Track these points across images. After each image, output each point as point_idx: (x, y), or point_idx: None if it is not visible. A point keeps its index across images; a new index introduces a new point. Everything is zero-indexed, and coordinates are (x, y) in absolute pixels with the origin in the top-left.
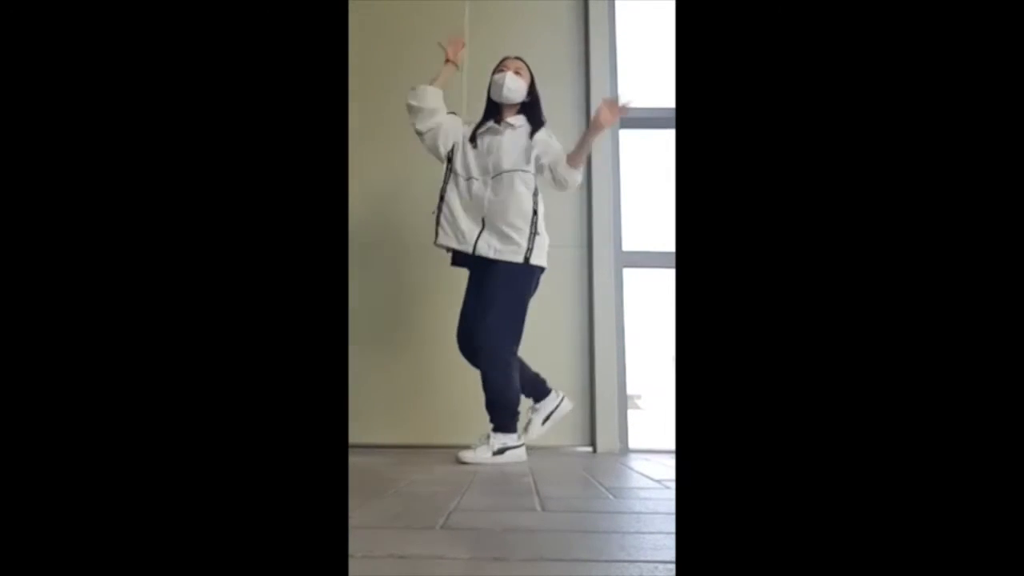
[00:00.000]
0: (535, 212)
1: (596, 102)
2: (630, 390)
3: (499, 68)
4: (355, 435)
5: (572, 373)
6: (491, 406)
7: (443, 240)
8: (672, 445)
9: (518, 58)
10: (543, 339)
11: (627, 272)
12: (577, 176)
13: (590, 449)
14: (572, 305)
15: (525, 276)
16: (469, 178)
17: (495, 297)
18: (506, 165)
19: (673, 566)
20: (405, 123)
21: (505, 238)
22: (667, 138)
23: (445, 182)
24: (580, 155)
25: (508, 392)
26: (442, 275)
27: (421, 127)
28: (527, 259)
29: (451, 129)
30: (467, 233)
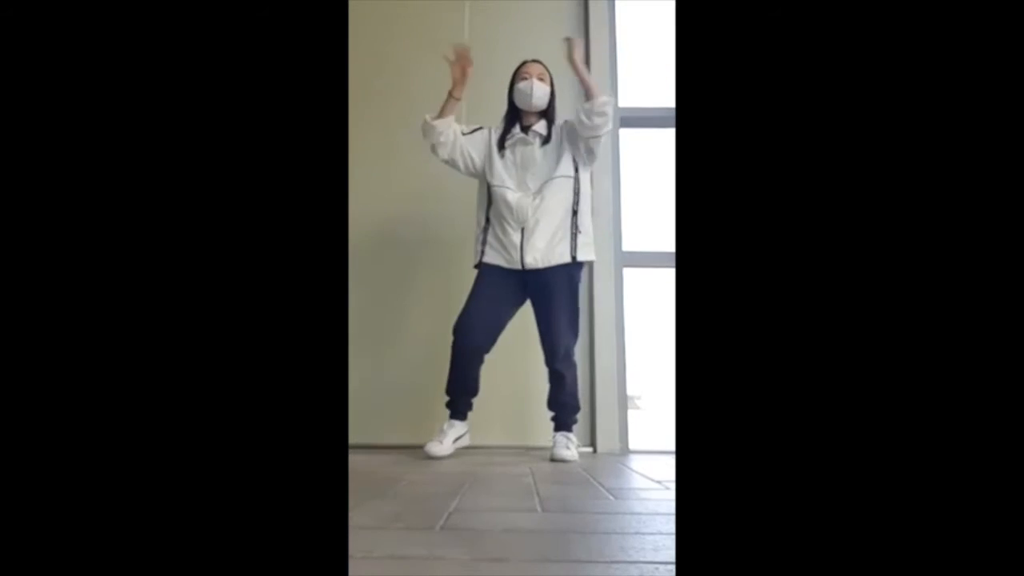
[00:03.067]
0: (575, 212)
1: None
2: (630, 390)
3: (522, 75)
4: (355, 435)
5: None
6: (564, 406)
7: (491, 259)
8: (672, 445)
9: (537, 61)
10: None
11: (627, 272)
12: (602, 97)
13: (590, 449)
14: None
15: (575, 273)
16: (504, 188)
17: (561, 304)
18: (544, 177)
19: (672, 567)
20: (404, 123)
21: (548, 243)
22: (667, 138)
23: (489, 202)
24: (588, 87)
25: (577, 392)
26: (442, 274)
27: (443, 156)
28: (574, 257)
29: (472, 149)
30: (511, 249)
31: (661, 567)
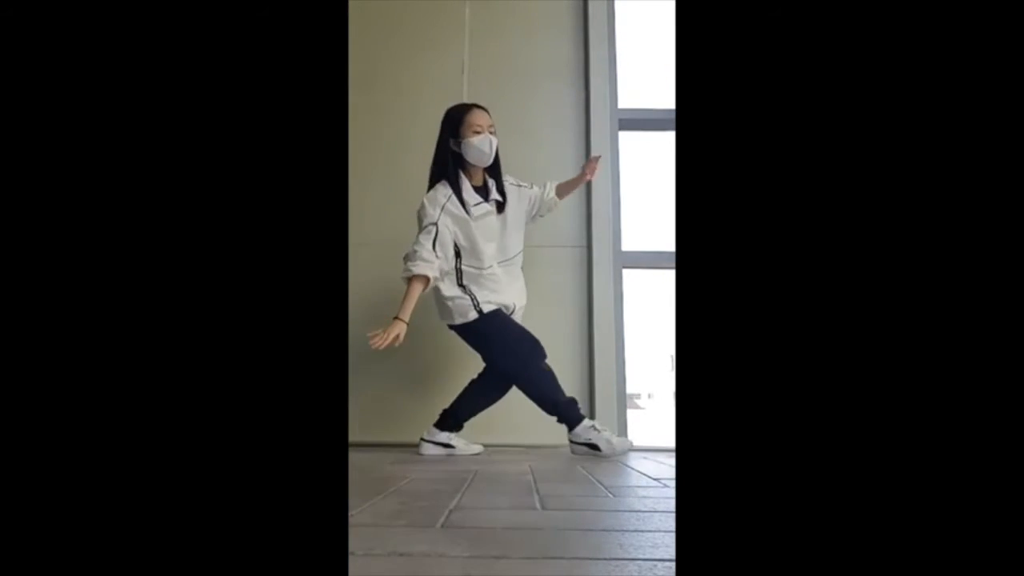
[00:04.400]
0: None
1: (595, 103)
2: (630, 390)
3: (473, 127)
4: (355, 434)
5: (572, 373)
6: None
7: (490, 300)
8: (671, 444)
9: (483, 108)
10: (543, 338)
11: (626, 272)
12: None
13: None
14: (571, 305)
15: None
16: (492, 272)
17: None
18: (512, 250)
19: (671, 564)
20: (405, 123)
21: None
22: (667, 139)
23: (459, 272)
24: (569, 192)
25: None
26: None
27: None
28: None
29: (451, 235)
30: (509, 305)
31: (659, 564)
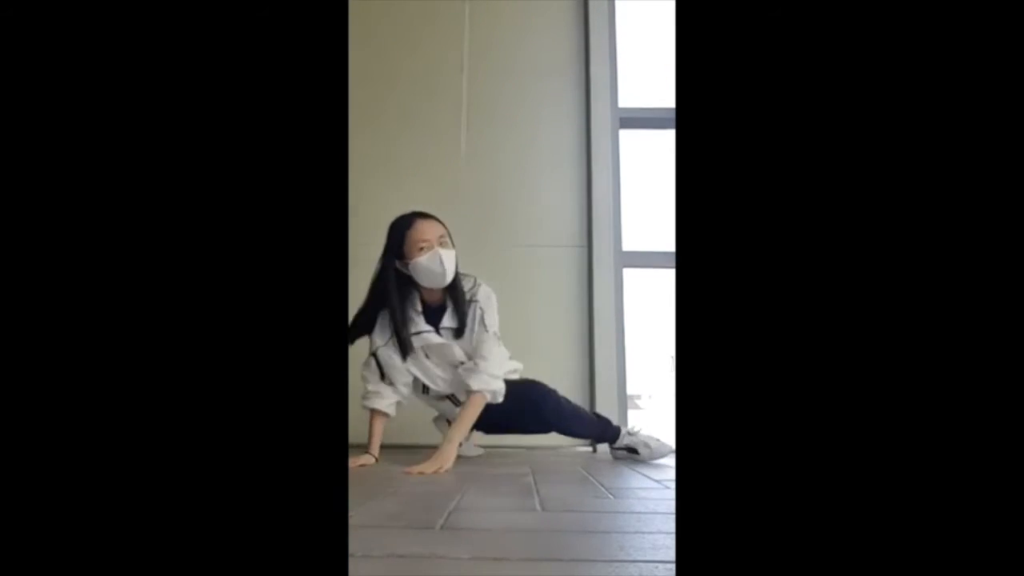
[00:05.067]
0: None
1: (596, 102)
2: (630, 390)
3: (416, 242)
4: (355, 435)
5: (572, 373)
6: None
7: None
8: (672, 445)
9: (430, 216)
10: (543, 339)
11: (627, 272)
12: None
13: (590, 449)
14: (572, 305)
15: None
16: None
17: None
18: (508, 361)
19: (672, 566)
20: (404, 123)
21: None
22: (667, 138)
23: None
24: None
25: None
26: None
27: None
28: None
29: (391, 361)
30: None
31: (660, 566)
